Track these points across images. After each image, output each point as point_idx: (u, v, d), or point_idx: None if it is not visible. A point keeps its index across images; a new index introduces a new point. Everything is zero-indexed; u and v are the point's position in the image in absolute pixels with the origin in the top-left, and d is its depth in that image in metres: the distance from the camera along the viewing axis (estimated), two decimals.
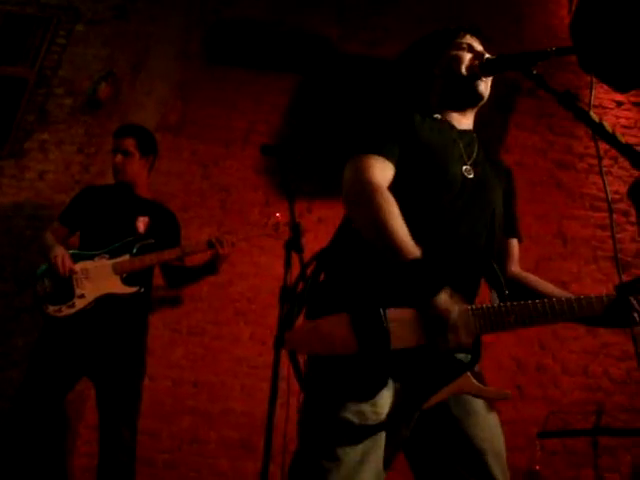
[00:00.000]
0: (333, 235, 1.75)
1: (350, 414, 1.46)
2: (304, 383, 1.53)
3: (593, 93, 1.51)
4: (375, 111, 1.81)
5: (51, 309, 2.94)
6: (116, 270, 3.03)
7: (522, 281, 1.83)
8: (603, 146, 1.48)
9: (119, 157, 3.25)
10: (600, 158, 3.64)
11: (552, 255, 4.21)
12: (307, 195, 4.11)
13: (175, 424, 3.62)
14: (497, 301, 1.52)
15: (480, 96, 1.81)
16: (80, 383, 3.07)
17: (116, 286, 3.02)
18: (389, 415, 1.49)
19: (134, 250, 3.09)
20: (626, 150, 1.37)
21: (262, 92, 4.55)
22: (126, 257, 3.07)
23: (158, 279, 3.41)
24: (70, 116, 4.45)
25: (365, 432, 1.46)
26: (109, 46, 4.70)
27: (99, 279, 3.00)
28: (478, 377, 1.51)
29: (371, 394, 1.47)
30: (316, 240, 1.72)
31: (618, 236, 4.26)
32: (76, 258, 3.02)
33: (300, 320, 1.55)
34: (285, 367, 2.25)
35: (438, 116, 1.82)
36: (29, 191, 4.18)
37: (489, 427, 1.59)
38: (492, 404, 1.62)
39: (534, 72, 1.54)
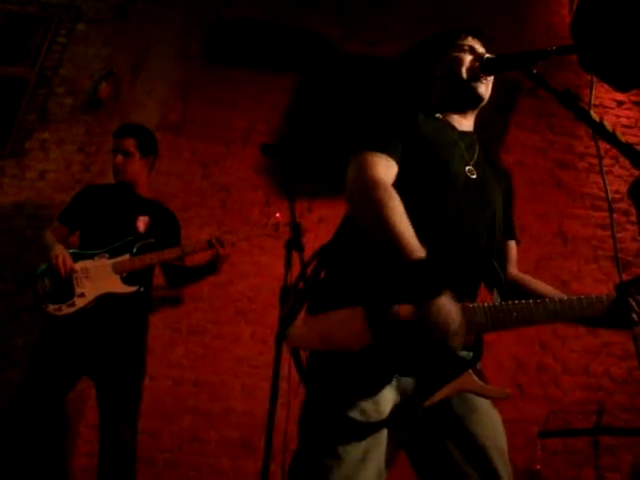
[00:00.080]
0: (334, 233, 1.75)
1: (352, 411, 1.45)
2: (306, 380, 1.52)
3: (593, 92, 1.51)
4: (378, 109, 1.81)
5: (51, 308, 2.94)
6: (116, 269, 3.04)
7: (520, 282, 1.83)
8: (604, 145, 1.48)
9: (119, 157, 3.25)
10: (600, 157, 3.64)
11: (552, 254, 4.22)
12: (307, 194, 4.11)
13: (176, 423, 3.62)
14: (499, 300, 1.52)
15: (480, 98, 1.81)
16: (80, 382, 3.07)
17: (116, 285, 3.02)
18: (391, 413, 1.49)
19: (134, 249, 3.09)
20: (626, 149, 1.37)
21: (262, 91, 4.56)
22: (126, 256, 3.07)
23: (158, 279, 3.41)
24: (71, 115, 4.45)
25: (367, 430, 1.46)
26: (110, 45, 4.70)
27: (99, 278, 3.01)
28: (479, 375, 1.51)
29: (374, 391, 1.47)
30: (317, 239, 1.71)
31: (618, 235, 4.26)
32: (76, 257, 3.02)
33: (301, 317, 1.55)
34: (286, 366, 2.26)
35: (439, 116, 1.82)
36: (30, 190, 4.18)
37: (491, 424, 1.59)
38: (493, 402, 1.62)
39: (534, 71, 1.54)
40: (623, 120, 4.75)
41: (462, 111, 1.84)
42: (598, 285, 4.08)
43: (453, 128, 1.81)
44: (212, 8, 4.84)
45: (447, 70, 1.82)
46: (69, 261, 2.96)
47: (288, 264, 2.67)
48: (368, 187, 1.55)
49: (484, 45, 1.85)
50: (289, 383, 2.23)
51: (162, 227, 3.27)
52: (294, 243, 2.72)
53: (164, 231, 3.27)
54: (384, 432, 1.49)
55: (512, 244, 1.92)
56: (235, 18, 4.74)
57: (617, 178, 4.43)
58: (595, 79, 1.80)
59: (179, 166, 4.29)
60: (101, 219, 3.18)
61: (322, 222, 4.00)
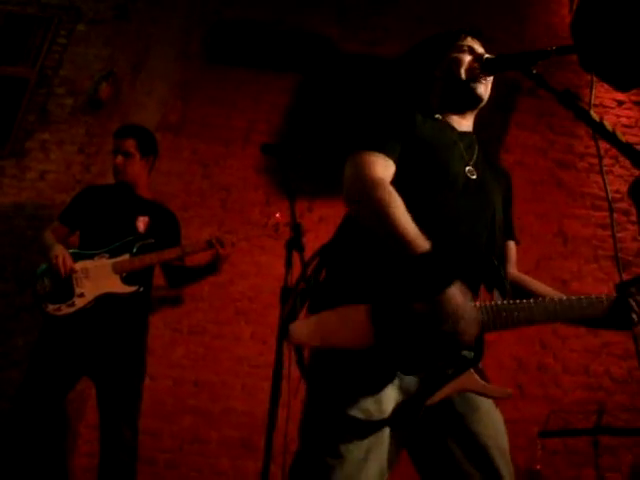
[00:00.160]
0: (334, 233, 1.75)
1: (354, 410, 1.45)
2: (307, 377, 1.52)
3: (593, 92, 1.51)
4: (376, 109, 1.81)
5: (51, 308, 2.94)
6: (116, 269, 3.04)
7: (520, 283, 1.83)
8: (604, 145, 1.48)
9: (120, 158, 3.26)
10: (601, 157, 3.64)
11: (553, 254, 4.22)
12: (308, 194, 4.11)
13: (176, 424, 3.62)
14: (500, 299, 1.52)
15: (479, 99, 1.81)
16: (80, 382, 3.07)
17: (116, 285, 3.03)
18: (393, 412, 1.49)
19: (134, 249, 3.10)
20: (626, 149, 1.37)
21: (262, 91, 4.56)
22: (126, 256, 3.07)
23: (159, 279, 3.41)
24: (71, 116, 4.45)
25: (369, 428, 1.46)
26: (110, 46, 4.70)
27: (99, 278, 3.01)
28: (481, 374, 1.51)
29: (376, 390, 1.47)
30: (317, 239, 1.71)
31: (619, 235, 4.26)
32: (76, 257, 3.02)
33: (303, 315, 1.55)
34: (286, 366, 2.26)
35: (439, 116, 1.82)
36: (30, 191, 4.18)
37: (493, 424, 1.59)
38: (495, 402, 1.62)
39: (534, 71, 1.54)
40: (623, 120, 4.75)
41: (461, 112, 1.85)
42: (598, 285, 4.08)
43: (452, 129, 1.81)
44: (212, 8, 4.84)
45: (446, 71, 1.83)
46: (69, 261, 2.96)
47: (288, 264, 2.66)
48: (367, 186, 1.55)
49: (484, 45, 1.86)
50: (289, 383, 2.23)
51: (162, 227, 3.28)
52: (294, 243, 2.72)
53: (164, 231, 3.27)
54: (386, 431, 1.49)
55: (512, 244, 1.92)
56: (235, 18, 4.74)
57: (617, 178, 4.43)
58: (595, 79, 1.80)
59: (179, 166, 4.29)
60: (101, 219, 3.18)
61: (322, 222, 4.00)
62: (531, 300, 1.55)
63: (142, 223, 3.20)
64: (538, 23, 4.95)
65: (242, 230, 3.34)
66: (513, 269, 1.89)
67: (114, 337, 2.97)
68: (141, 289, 3.07)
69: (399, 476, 1.70)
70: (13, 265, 3.92)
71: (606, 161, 4.42)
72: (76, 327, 2.93)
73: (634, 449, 3.62)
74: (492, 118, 4.37)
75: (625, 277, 1.71)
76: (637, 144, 4.42)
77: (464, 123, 1.85)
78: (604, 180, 1.74)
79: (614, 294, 1.63)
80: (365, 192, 1.55)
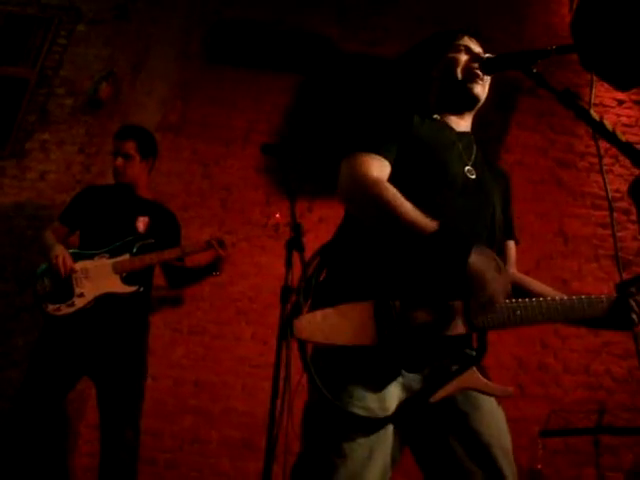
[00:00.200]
0: (335, 232, 1.75)
1: (357, 408, 1.45)
2: (310, 374, 1.51)
3: (593, 91, 1.51)
4: (372, 110, 1.81)
5: (50, 308, 2.95)
6: (116, 269, 3.04)
7: (520, 283, 1.83)
8: (604, 145, 1.48)
9: (120, 160, 3.25)
10: (601, 157, 3.64)
11: (553, 253, 4.21)
12: (308, 194, 4.11)
13: (176, 424, 3.62)
14: None
15: (476, 99, 1.81)
16: (81, 382, 3.07)
17: (116, 285, 3.03)
18: (396, 409, 1.49)
19: (134, 249, 3.10)
20: (626, 148, 1.37)
21: (262, 91, 4.56)
22: (126, 256, 3.08)
23: (159, 279, 3.41)
24: (71, 116, 4.45)
25: (372, 427, 1.46)
26: (110, 46, 4.70)
27: (99, 278, 3.01)
28: (483, 373, 1.52)
29: (379, 387, 1.47)
30: (317, 239, 1.71)
31: (619, 234, 4.26)
32: (76, 257, 3.03)
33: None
34: (286, 366, 2.25)
35: (437, 117, 1.82)
36: (30, 191, 4.18)
37: (495, 423, 1.59)
38: (498, 402, 1.62)
39: (534, 71, 1.54)
40: (624, 119, 4.75)
41: (459, 112, 1.84)
42: (599, 284, 4.07)
43: (451, 129, 1.81)
44: (212, 8, 4.84)
45: (443, 71, 1.82)
46: (69, 261, 2.97)
47: (289, 264, 2.66)
48: (363, 185, 1.56)
49: (482, 45, 1.85)
50: (290, 383, 2.23)
51: (162, 227, 3.28)
52: (294, 243, 2.72)
53: (164, 231, 3.27)
54: (389, 429, 1.50)
55: (511, 244, 1.92)
56: (235, 18, 4.74)
57: (617, 177, 4.43)
58: (595, 78, 1.80)
59: (179, 166, 4.29)
60: (101, 219, 3.19)
61: (322, 222, 4.00)
62: (532, 300, 1.56)
63: (142, 223, 3.21)
64: (538, 23, 4.95)
65: (242, 230, 3.35)
66: (513, 269, 1.89)
67: (114, 337, 2.98)
68: (141, 289, 3.08)
69: (402, 474, 1.70)
70: (13, 265, 3.92)
71: (606, 160, 4.42)
72: (76, 327, 2.94)
73: (635, 448, 3.62)
74: (492, 118, 4.37)
75: (625, 276, 1.71)
76: (637, 143, 4.42)
77: (462, 123, 1.85)
78: (604, 179, 1.74)
79: (614, 294, 1.63)
80: (362, 191, 1.56)
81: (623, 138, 1.38)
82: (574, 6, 4.43)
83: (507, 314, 1.52)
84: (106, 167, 3.92)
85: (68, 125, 4.42)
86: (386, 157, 1.64)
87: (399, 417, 1.49)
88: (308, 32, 4.68)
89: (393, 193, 1.51)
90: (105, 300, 2.98)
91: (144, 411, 3.03)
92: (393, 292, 1.46)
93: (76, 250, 3.10)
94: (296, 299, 1.51)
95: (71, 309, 2.94)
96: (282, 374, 2.34)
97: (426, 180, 1.64)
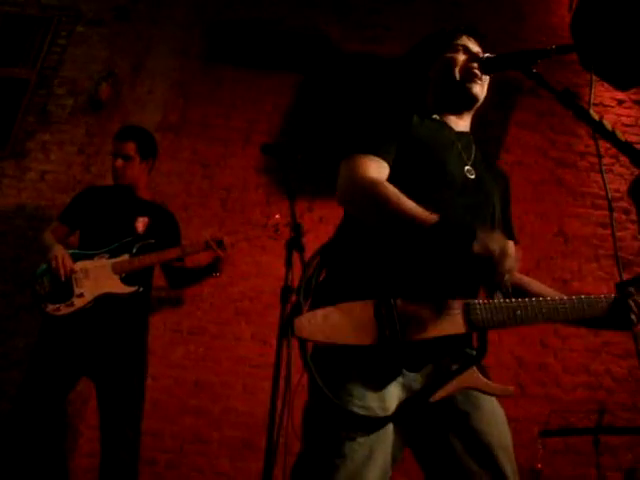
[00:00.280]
0: (335, 232, 1.75)
1: (357, 407, 1.45)
2: (310, 373, 1.51)
3: (593, 91, 1.51)
4: (371, 111, 1.81)
5: (50, 308, 2.95)
6: (115, 270, 3.04)
7: (519, 283, 1.82)
8: (604, 144, 1.48)
9: (119, 161, 3.25)
10: (600, 156, 3.64)
11: (553, 253, 4.21)
12: (308, 194, 4.11)
13: (177, 424, 3.62)
14: (501, 298, 1.52)
15: (474, 98, 1.80)
16: (81, 382, 3.07)
17: (115, 285, 3.03)
18: (396, 409, 1.49)
19: (134, 250, 3.10)
20: (626, 148, 1.37)
21: (262, 91, 4.55)
22: (125, 257, 3.08)
23: (159, 279, 3.41)
24: (71, 116, 4.46)
25: (372, 426, 1.46)
26: (110, 46, 4.70)
27: (98, 278, 3.01)
28: (483, 372, 1.52)
29: (380, 387, 1.47)
30: (317, 239, 1.71)
31: (619, 234, 4.26)
32: (76, 257, 3.03)
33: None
34: (286, 366, 2.25)
35: (436, 117, 1.82)
36: (30, 191, 4.19)
37: (496, 422, 1.59)
38: (498, 401, 1.62)
39: (534, 71, 1.54)
40: (624, 119, 4.75)
41: (458, 111, 1.84)
42: (599, 284, 4.07)
43: (450, 129, 1.81)
44: (212, 8, 4.84)
45: (441, 71, 1.82)
46: (69, 261, 2.97)
47: (289, 264, 2.66)
48: (365, 186, 1.57)
49: (480, 44, 1.85)
50: (290, 383, 2.23)
51: (161, 228, 3.28)
52: (295, 243, 2.71)
53: (164, 232, 3.27)
54: (390, 428, 1.49)
55: (510, 244, 1.92)
56: (235, 18, 4.74)
57: (618, 177, 4.43)
58: (595, 78, 1.80)
59: (180, 166, 4.29)
60: (100, 220, 3.19)
61: (323, 222, 4.00)
62: (532, 300, 1.56)
63: (141, 224, 3.21)
64: (537, 23, 4.94)
65: (242, 230, 3.34)
66: None
67: (114, 337, 2.98)
68: (140, 289, 3.08)
69: (403, 473, 1.70)
70: (13, 265, 3.93)
71: (606, 160, 4.42)
72: (75, 327, 2.94)
73: (635, 448, 3.62)
74: (492, 117, 4.37)
75: (626, 276, 1.71)
76: (637, 143, 4.43)
77: (461, 123, 1.85)
78: (604, 179, 1.74)
79: (614, 294, 1.63)
80: (361, 192, 1.57)
81: (622, 138, 1.38)
82: (573, 6, 4.43)
83: (507, 314, 1.52)
84: (106, 167, 3.92)
85: (68, 125, 4.42)
86: (384, 159, 1.64)
87: (399, 416, 1.49)
88: (308, 32, 4.67)
89: (393, 191, 1.52)
90: (104, 300, 2.98)
91: (144, 411, 3.03)
92: (393, 291, 1.46)
93: (76, 250, 3.10)
94: (296, 298, 1.51)
95: (70, 309, 2.94)
96: (282, 374, 2.34)
97: (425, 180, 1.64)
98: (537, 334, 3.93)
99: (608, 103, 4.77)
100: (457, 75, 1.78)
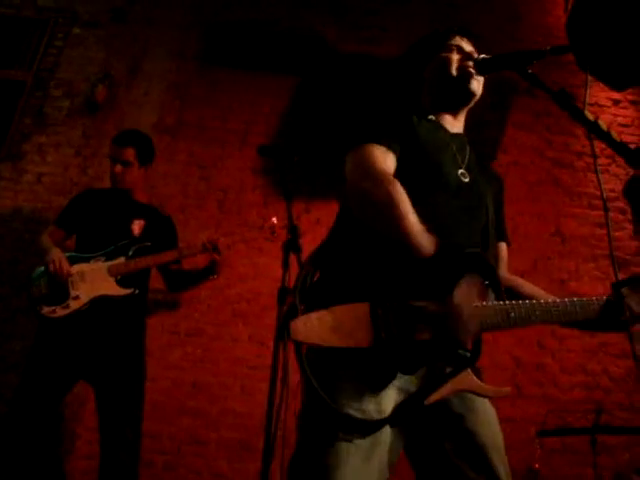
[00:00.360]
0: (329, 232, 1.75)
1: (353, 410, 1.44)
2: (306, 376, 1.51)
3: (588, 91, 1.52)
4: (376, 111, 1.81)
5: (46, 310, 2.95)
6: (111, 272, 3.04)
7: (511, 285, 1.83)
8: (600, 144, 1.48)
9: (119, 167, 3.23)
10: (595, 156, 3.64)
11: (550, 253, 4.22)
12: (305, 195, 4.11)
13: (174, 425, 3.62)
14: (495, 300, 1.52)
15: (472, 94, 1.81)
16: (78, 385, 3.07)
17: (111, 288, 3.03)
18: (392, 412, 1.48)
19: (130, 252, 3.10)
20: (620, 148, 1.37)
21: (259, 93, 4.56)
22: (121, 259, 3.08)
23: (156, 282, 3.41)
24: (68, 118, 4.45)
25: (368, 429, 1.45)
26: (106, 48, 4.70)
27: (94, 281, 3.01)
28: (477, 373, 1.51)
29: (376, 389, 1.47)
30: (314, 241, 1.71)
31: (617, 234, 4.27)
32: (72, 260, 3.02)
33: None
34: (284, 368, 2.26)
35: (432, 117, 1.83)
36: (27, 194, 4.18)
37: (489, 424, 1.59)
38: (491, 401, 1.62)
39: (529, 71, 1.55)
40: (620, 119, 4.75)
41: (454, 109, 1.85)
42: (596, 284, 4.08)
43: (445, 130, 1.81)
44: (209, 10, 4.84)
45: (437, 70, 1.83)
46: (66, 264, 2.96)
47: (285, 266, 2.66)
48: (375, 178, 1.56)
49: (473, 44, 1.86)
50: (288, 384, 2.23)
51: (158, 230, 3.27)
52: (291, 244, 2.72)
53: (160, 234, 3.27)
54: (386, 431, 1.49)
55: (503, 246, 1.92)
56: (232, 20, 4.74)
57: (614, 177, 4.44)
58: (590, 78, 1.80)
59: (176, 168, 4.29)
60: (97, 223, 3.19)
61: (320, 223, 3.99)
62: (526, 302, 1.56)
63: (137, 226, 3.20)
64: (533, 23, 4.95)
65: (239, 232, 3.34)
66: (505, 271, 1.90)
67: (110, 339, 2.98)
68: (136, 292, 3.07)
69: (398, 476, 1.69)
70: (10, 268, 3.92)
71: (603, 160, 4.42)
72: (72, 330, 2.94)
73: (632, 448, 3.62)
74: (488, 118, 4.37)
75: (623, 276, 1.71)
76: (634, 143, 4.44)
77: (456, 124, 1.86)
78: (599, 179, 1.74)
79: (604, 296, 1.63)
80: (372, 185, 1.56)
81: (617, 138, 1.38)
82: (569, 6, 4.43)
83: (501, 316, 1.52)
84: (103, 169, 3.92)
85: (65, 127, 4.42)
86: (393, 151, 1.64)
87: (395, 419, 1.48)
88: (305, 33, 4.68)
89: (401, 194, 1.51)
90: (100, 302, 2.98)
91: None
92: (389, 293, 1.46)
93: (72, 253, 3.09)
94: (291, 301, 1.50)
95: (66, 311, 2.94)
96: (279, 375, 2.34)
97: (421, 182, 1.64)
98: (535, 335, 3.94)
99: (604, 103, 4.78)
100: (454, 72, 1.79)
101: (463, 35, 1.86)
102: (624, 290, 1.61)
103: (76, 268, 3.01)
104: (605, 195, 1.78)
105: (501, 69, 1.69)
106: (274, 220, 3.21)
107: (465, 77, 1.78)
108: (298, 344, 1.46)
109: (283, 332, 1.45)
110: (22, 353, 3.48)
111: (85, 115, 4.44)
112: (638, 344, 1.99)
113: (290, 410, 2.14)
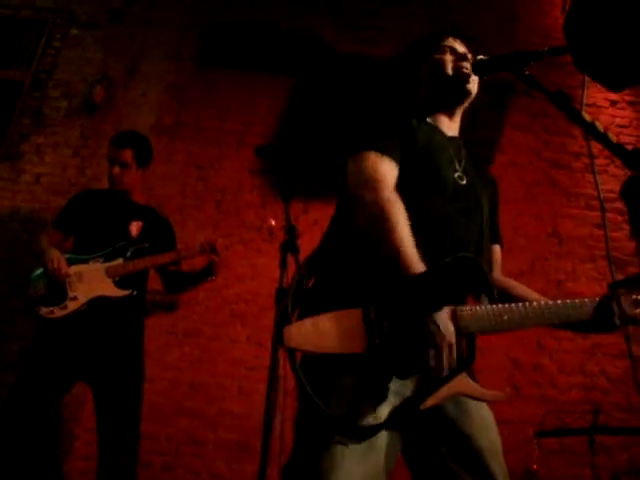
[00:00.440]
0: (323, 237, 1.74)
1: (348, 416, 1.44)
2: (300, 382, 1.51)
3: (585, 92, 1.51)
4: (376, 112, 1.82)
5: (44, 311, 2.94)
6: (109, 273, 3.04)
7: (505, 287, 1.83)
8: (598, 145, 1.48)
9: (117, 169, 3.23)
10: (593, 157, 3.65)
11: (548, 254, 4.22)
12: (303, 196, 4.11)
13: (172, 426, 3.61)
14: (488, 303, 1.52)
15: (468, 92, 1.82)
16: (76, 386, 3.06)
17: (108, 289, 3.03)
18: (388, 417, 1.47)
19: (128, 254, 3.10)
20: (618, 149, 1.37)
21: (257, 94, 4.56)
22: (120, 261, 3.08)
23: (154, 283, 3.40)
24: (66, 119, 4.45)
25: (364, 434, 1.44)
26: (104, 49, 4.70)
27: (92, 282, 3.01)
28: (472, 377, 1.51)
29: (371, 395, 1.46)
30: (312, 242, 1.71)
31: (614, 235, 4.27)
32: (70, 262, 3.02)
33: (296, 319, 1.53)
34: (282, 369, 2.25)
35: (429, 120, 1.83)
36: (25, 194, 4.18)
37: (485, 427, 1.58)
38: (487, 404, 1.62)
39: (526, 72, 1.54)
40: (618, 120, 4.76)
41: (450, 108, 1.86)
42: (593, 284, 4.08)
43: (442, 133, 1.82)
44: (207, 11, 4.84)
45: (432, 70, 1.85)
46: (64, 265, 2.96)
47: (283, 266, 2.66)
48: (374, 188, 1.56)
49: (466, 45, 1.87)
50: (285, 385, 2.23)
51: (156, 232, 3.27)
52: (289, 245, 2.72)
53: (158, 236, 3.27)
54: (382, 436, 1.48)
55: (497, 248, 1.92)
56: (229, 21, 4.74)
57: (612, 177, 4.43)
58: (588, 79, 1.80)
59: (174, 169, 4.29)
60: (94, 224, 3.19)
61: (318, 224, 3.99)
62: (519, 304, 1.55)
63: (135, 227, 3.20)
64: (530, 24, 4.95)
65: (237, 233, 3.35)
66: (498, 273, 1.90)
67: (108, 340, 2.97)
68: (134, 293, 3.07)
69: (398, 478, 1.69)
70: (8, 268, 3.92)
71: (601, 161, 4.42)
72: (70, 330, 2.93)
73: (630, 448, 3.63)
74: (486, 118, 4.38)
75: (620, 276, 1.71)
76: (631, 144, 4.44)
77: (452, 126, 1.87)
78: (595, 180, 1.75)
79: (603, 295, 1.63)
80: (369, 196, 1.56)
81: (614, 139, 1.38)
82: (566, 7, 4.44)
83: (495, 319, 1.51)
84: (101, 170, 3.92)
85: (63, 128, 4.42)
86: (394, 160, 1.64)
87: (391, 424, 1.48)
88: (302, 34, 4.68)
89: (400, 213, 1.51)
90: (98, 303, 2.98)
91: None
92: (382, 299, 1.46)
93: (71, 255, 3.09)
94: (284, 306, 1.50)
95: (64, 312, 2.94)
96: (277, 376, 2.34)
97: (419, 185, 1.65)
98: (534, 335, 3.93)
99: (602, 104, 4.78)
100: (449, 71, 1.81)
101: (456, 36, 1.87)
102: (620, 291, 1.61)
103: (74, 269, 3.01)
104: (603, 196, 1.79)
105: (498, 70, 1.68)
106: (272, 222, 3.21)
107: (461, 76, 1.79)
108: (291, 351, 1.46)
109: (281, 335, 1.44)
110: (20, 353, 3.47)
111: (83, 116, 4.45)
112: (635, 345, 1.99)
113: (288, 411, 2.14)
